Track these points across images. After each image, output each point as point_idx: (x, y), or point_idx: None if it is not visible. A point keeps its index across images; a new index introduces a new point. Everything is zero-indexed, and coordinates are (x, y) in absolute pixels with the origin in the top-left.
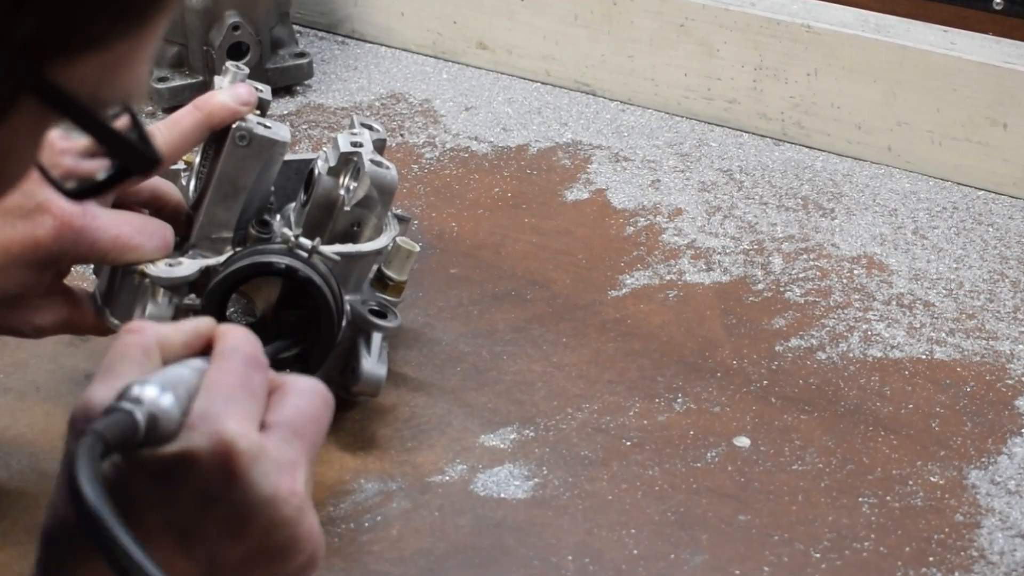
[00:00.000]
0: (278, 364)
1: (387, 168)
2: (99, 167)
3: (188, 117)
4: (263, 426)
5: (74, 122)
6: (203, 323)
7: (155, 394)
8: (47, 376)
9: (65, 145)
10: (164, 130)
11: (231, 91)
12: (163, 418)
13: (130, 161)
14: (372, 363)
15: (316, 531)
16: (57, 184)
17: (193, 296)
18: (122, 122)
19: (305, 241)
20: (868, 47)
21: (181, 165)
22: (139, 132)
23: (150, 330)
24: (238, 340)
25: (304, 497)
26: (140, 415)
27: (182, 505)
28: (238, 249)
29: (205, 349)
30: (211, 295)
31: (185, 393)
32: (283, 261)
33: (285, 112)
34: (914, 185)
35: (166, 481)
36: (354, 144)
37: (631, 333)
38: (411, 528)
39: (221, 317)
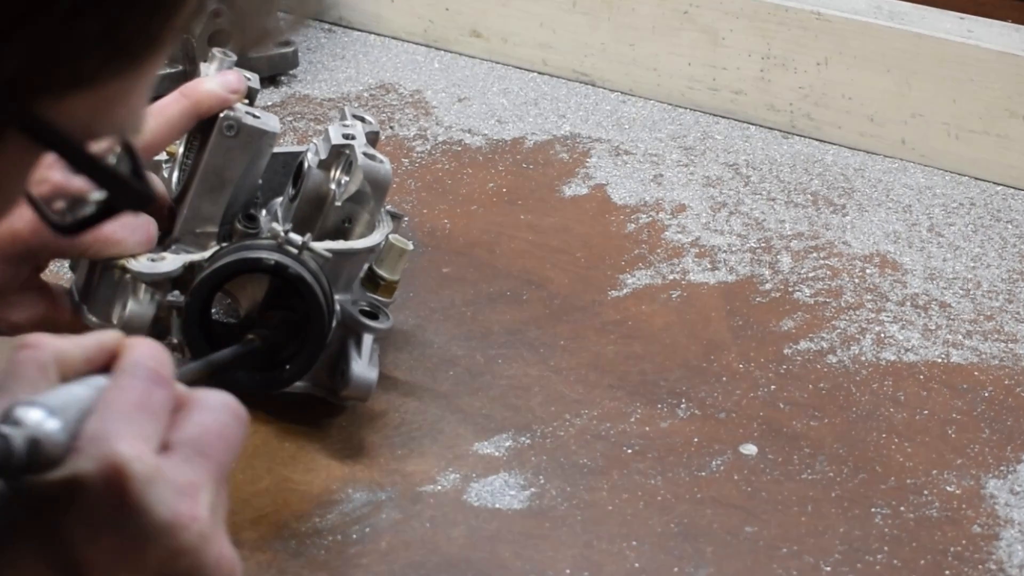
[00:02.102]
0: (265, 381)
1: (381, 162)
2: (89, 185)
3: (174, 105)
4: (163, 447)
5: (63, 158)
6: (108, 336)
7: (39, 417)
8: None
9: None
10: (150, 118)
11: (220, 78)
12: (47, 442)
13: (122, 197)
14: (363, 366)
15: (227, 559)
16: (47, 217)
17: (177, 293)
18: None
19: (295, 237)
20: (881, 35)
21: (163, 156)
22: (134, 166)
23: (47, 345)
24: (141, 355)
25: (208, 522)
26: (20, 439)
27: (68, 536)
28: (224, 245)
29: (109, 365)
30: (196, 292)
31: (77, 414)
32: (272, 257)
33: (269, 103)
34: (929, 180)
35: (50, 510)
36: (346, 136)
37: (632, 335)
38: (401, 540)
39: (206, 315)
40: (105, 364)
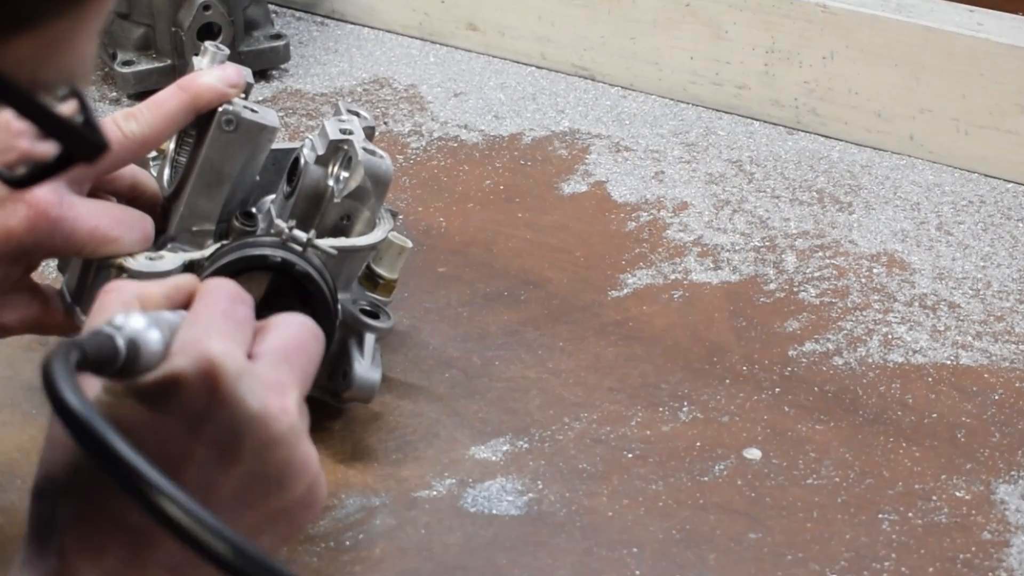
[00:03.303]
0: None
1: (381, 157)
2: (51, 146)
3: (172, 99)
4: (249, 356)
5: (11, 106)
6: (184, 279)
7: (140, 324)
8: (2, 383)
9: (21, 127)
10: (146, 112)
11: (219, 71)
12: (145, 348)
13: (75, 146)
14: (365, 367)
15: (314, 461)
16: (3, 176)
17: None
18: (71, 105)
19: (299, 233)
20: (889, 28)
21: (152, 153)
22: (86, 115)
23: (129, 285)
24: (221, 281)
25: (297, 418)
26: (121, 340)
27: (169, 430)
28: (223, 242)
29: (187, 304)
30: None
31: (169, 331)
32: (278, 254)
33: (260, 98)
34: (938, 177)
35: (150, 407)
36: (344, 131)
37: (633, 336)
38: (396, 547)
39: None
40: (183, 303)
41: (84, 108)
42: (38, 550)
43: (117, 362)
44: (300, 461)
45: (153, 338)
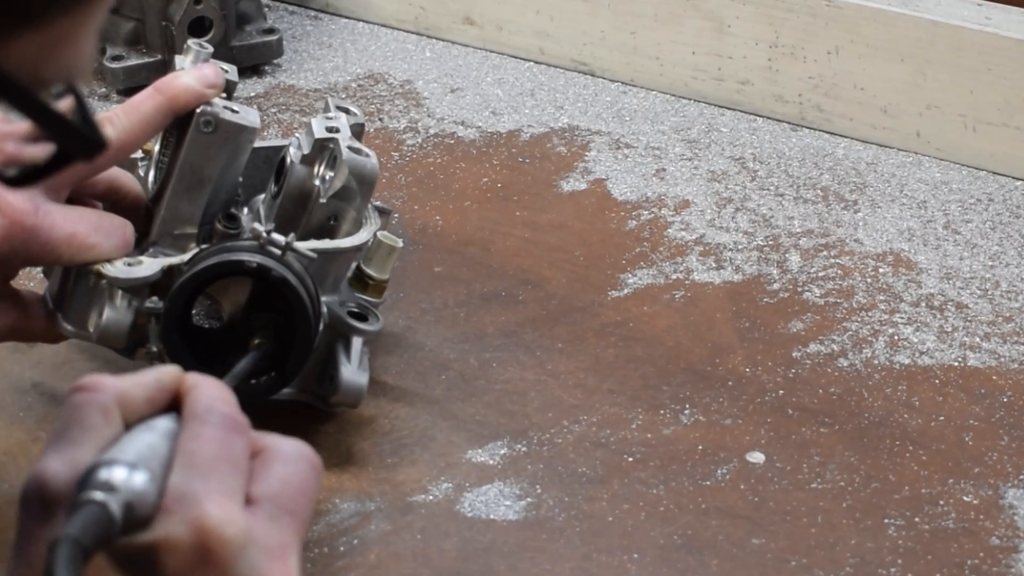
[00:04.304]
0: (249, 389)
1: (367, 156)
2: (45, 153)
3: (149, 101)
4: (247, 500)
5: (9, 102)
6: (167, 374)
7: (125, 475)
8: None
9: (7, 129)
10: (123, 115)
11: (196, 72)
12: (139, 504)
13: (72, 144)
14: (352, 371)
15: None
16: None
17: (155, 299)
18: (66, 103)
19: (278, 237)
20: (895, 23)
21: (139, 154)
22: (83, 114)
23: (108, 387)
24: (212, 399)
25: None
26: (115, 506)
27: None
28: (203, 246)
29: (171, 405)
30: (175, 298)
31: (158, 467)
32: (254, 259)
33: (252, 94)
34: (945, 175)
35: (139, 573)
36: (330, 129)
37: (633, 338)
38: (391, 552)
39: (186, 321)
40: (166, 404)
41: (82, 105)
42: None
43: (114, 533)
44: None
45: (142, 486)
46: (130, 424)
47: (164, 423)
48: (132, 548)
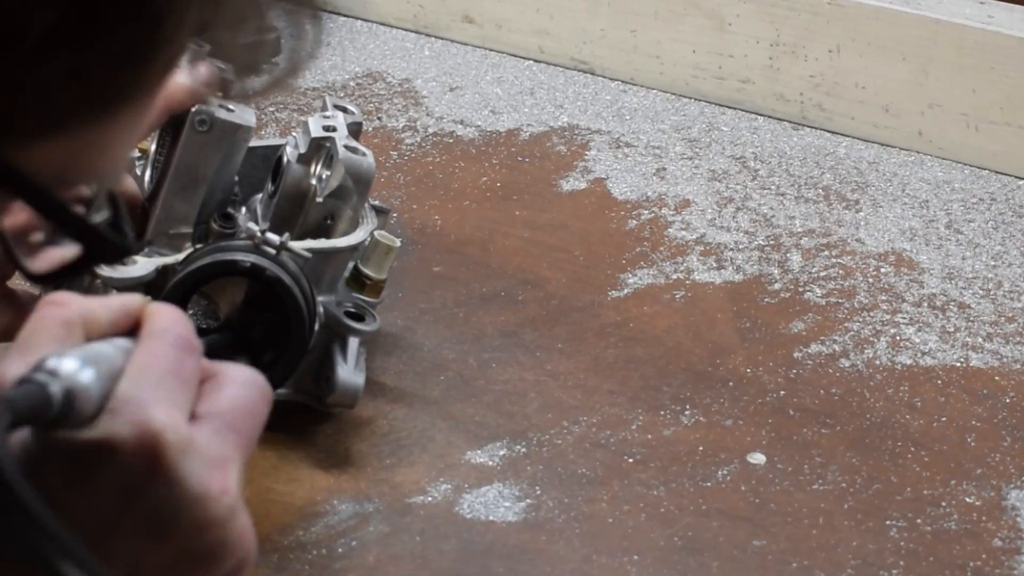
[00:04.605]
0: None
1: (363, 155)
2: (71, 250)
3: None
4: (193, 416)
5: (31, 207)
6: (132, 300)
7: (74, 367)
8: None
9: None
10: None
11: (191, 71)
12: (81, 396)
13: (96, 249)
14: (348, 371)
15: (248, 534)
16: (20, 264)
17: (149, 299)
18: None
19: (272, 237)
20: (897, 21)
21: (136, 152)
22: (115, 218)
23: (74, 303)
24: (169, 321)
25: (236, 496)
26: (56, 388)
27: (99, 498)
28: (198, 246)
29: (133, 330)
30: (169, 297)
31: (107, 373)
32: (248, 259)
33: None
34: (947, 174)
35: (82, 469)
36: (326, 128)
37: (634, 338)
38: (389, 554)
39: None
40: (128, 328)
41: (114, 209)
42: None
43: (50, 414)
44: (233, 540)
45: (88, 383)
46: (91, 341)
47: (122, 341)
48: (74, 443)
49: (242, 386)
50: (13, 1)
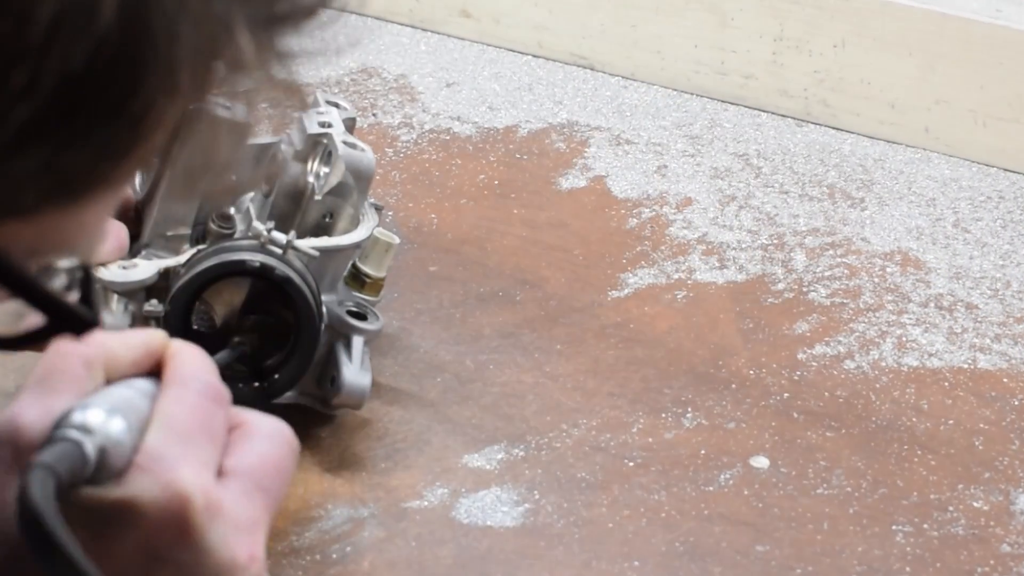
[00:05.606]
0: (251, 394)
1: (363, 151)
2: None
3: None
4: (220, 472)
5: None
6: (154, 338)
7: (102, 419)
8: None
9: None
10: None
11: None
12: (113, 451)
13: (62, 323)
14: (355, 371)
15: None
16: None
17: (154, 302)
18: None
19: (279, 236)
20: (903, 15)
21: None
22: (84, 292)
23: (94, 341)
24: (196, 367)
25: (263, 563)
26: (91, 447)
27: (124, 560)
28: (199, 247)
29: (154, 369)
30: (176, 300)
31: (136, 423)
32: (256, 259)
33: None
34: (955, 171)
35: (108, 528)
36: (323, 124)
37: (634, 339)
38: (385, 560)
39: (187, 324)
40: (150, 368)
41: (85, 282)
42: None
43: (85, 474)
44: None
45: (119, 433)
46: (111, 382)
47: (145, 384)
48: (101, 501)
49: (269, 440)
50: None
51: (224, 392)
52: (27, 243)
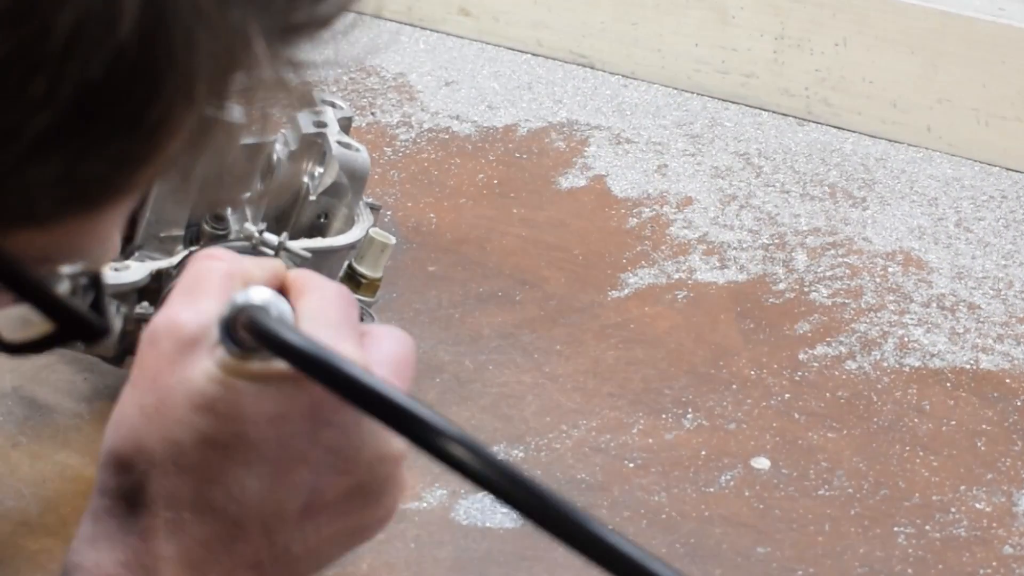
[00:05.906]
0: None
1: (357, 150)
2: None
3: None
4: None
5: (8, 287)
6: (277, 264)
7: (271, 296)
8: None
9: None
10: None
11: None
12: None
13: (72, 330)
14: None
15: (406, 480)
16: None
17: (147, 304)
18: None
19: (271, 237)
20: (905, 13)
21: None
22: (96, 300)
23: (233, 258)
24: (323, 279)
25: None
26: (274, 312)
27: (291, 427)
28: (192, 249)
29: (279, 292)
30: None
31: (288, 316)
32: None
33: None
34: (957, 170)
35: (277, 397)
36: (317, 124)
37: (634, 339)
38: (384, 562)
39: None
40: (277, 290)
41: (96, 290)
42: (119, 525)
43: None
44: (401, 479)
45: (289, 316)
46: None
47: (278, 300)
48: (269, 373)
49: (397, 341)
50: (9, 100)
51: (353, 296)
52: (40, 250)
